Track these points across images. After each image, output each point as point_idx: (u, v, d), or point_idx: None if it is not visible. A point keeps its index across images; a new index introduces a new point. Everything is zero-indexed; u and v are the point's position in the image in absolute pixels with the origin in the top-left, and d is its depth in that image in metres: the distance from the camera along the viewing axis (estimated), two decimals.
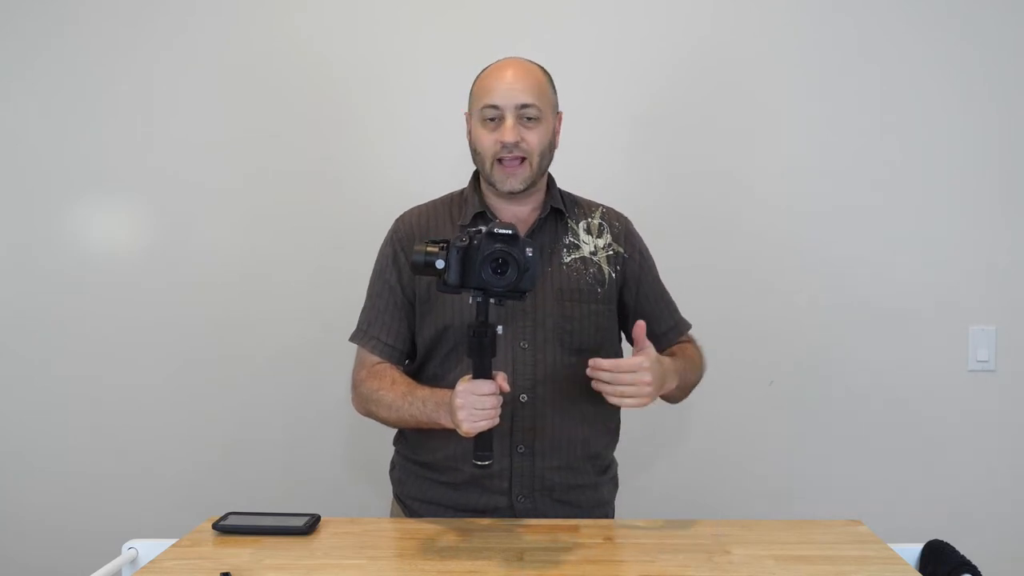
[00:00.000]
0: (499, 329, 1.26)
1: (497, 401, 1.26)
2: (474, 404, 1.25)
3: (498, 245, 1.23)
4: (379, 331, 1.52)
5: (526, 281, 1.24)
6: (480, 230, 1.26)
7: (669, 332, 1.60)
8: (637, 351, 1.33)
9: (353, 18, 2.23)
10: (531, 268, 1.24)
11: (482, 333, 1.25)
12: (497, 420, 1.27)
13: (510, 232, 1.23)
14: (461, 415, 1.26)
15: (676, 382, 1.41)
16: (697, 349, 1.61)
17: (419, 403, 1.41)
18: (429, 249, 1.25)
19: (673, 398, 1.50)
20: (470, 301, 1.26)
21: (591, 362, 1.32)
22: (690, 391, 1.54)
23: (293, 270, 2.25)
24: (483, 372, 1.26)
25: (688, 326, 1.64)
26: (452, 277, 1.24)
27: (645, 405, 1.32)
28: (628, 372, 1.30)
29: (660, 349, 1.56)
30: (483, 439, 1.27)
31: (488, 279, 1.23)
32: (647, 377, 1.30)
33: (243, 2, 2.23)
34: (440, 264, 1.24)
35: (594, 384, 1.33)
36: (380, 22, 2.23)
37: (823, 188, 2.23)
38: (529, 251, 1.24)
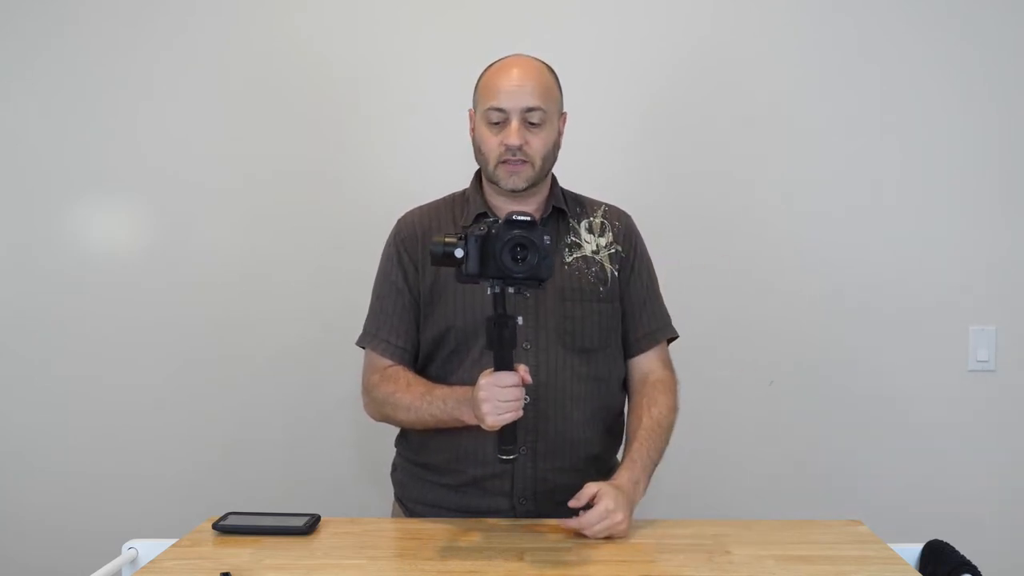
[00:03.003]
0: (519, 320, 1.27)
1: (520, 393, 1.27)
2: (498, 396, 1.25)
3: (517, 231, 1.22)
4: (388, 333, 1.51)
5: (545, 268, 1.24)
6: (497, 219, 1.26)
7: (642, 339, 1.56)
8: (595, 500, 1.32)
9: (353, 18, 2.23)
10: (549, 255, 1.24)
11: (503, 324, 1.24)
12: (521, 412, 1.27)
13: (528, 219, 1.23)
14: (485, 408, 1.26)
15: (646, 483, 1.42)
16: (668, 385, 1.55)
17: (439, 402, 1.41)
18: (447, 240, 1.24)
19: None
20: (488, 292, 1.26)
21: (561, 523, 1.34)
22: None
23: (293, 270, 2.25)
24: (505, 364, 1.26)
25: (669, 334, 1.60)
26: (471, 266, 1.24)
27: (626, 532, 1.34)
28: (599, 522, 1.31)
29: (631, 354, 1.57)
30: (507, 432, 1.28)
31: (508, 265, 1.22)
32: (618, 517, 1.31)
33: (243, 2, 2.23)
34: (459, 253, 1.23)
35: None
36: (380, 22, 2.23)
37: (823, 188, 2.23)
38: (547, 238, 1.24)
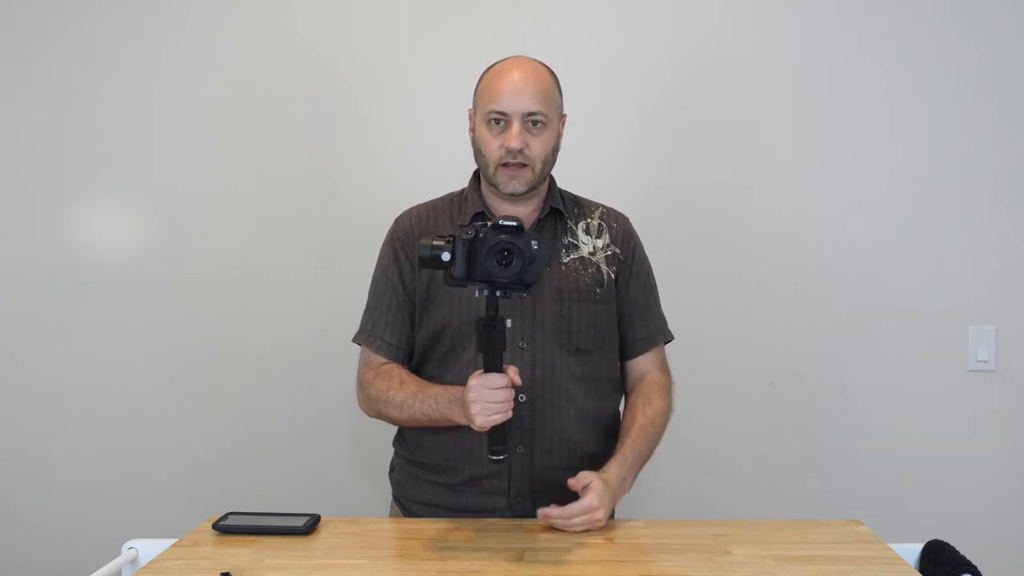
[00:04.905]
0: (508, 322, 1.27)
1: (509, 394, 1.28)
2: (487, 398, 1.26)
3: (503, 237, 1.23)
4: (383, 331, 1.52)
5: (531, 273, 1.25)
6: (485, 223, 1.27)
7: (639, 342, 1.57)
8: (582, 491, 1.34)
9: (353, 18, 2.23)
10: (536, 260, 1.25)
11: (491, 327, 1.25)
12: (510, 414, 1.28)
13: (515, 224, 1.24)
14: (474, 409, 1.27)
15: (632, 480, 1.45)
16: (663, 387, 1.56)
17: (431, 401, 1.41)
18: (435, 243, 1.25)
19: None
20: (476, 294, 1.27)
21: (540, 513, 1.35)
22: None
23: (293, 270, 2.25)
24: (494, 366, 1.27)
25: (665, 338, 1.60)
26: (458, 270, 1.25)
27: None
28: (580, 515, 1.33)
29: (628, 356, 1.58)
30: (497, 433, 1.29)
31: (493, 270, 1.23)
32: (599, 515, 1.34)
33: (244, 2, 2.23)
34: (446, 257, 1.24)
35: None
36: (380, 22, 2.23)
37: (824, 188, 2.23)
38: (534, 243, 1.25)
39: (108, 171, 2.26)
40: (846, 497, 2.21)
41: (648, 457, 1.49)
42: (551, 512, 1.34)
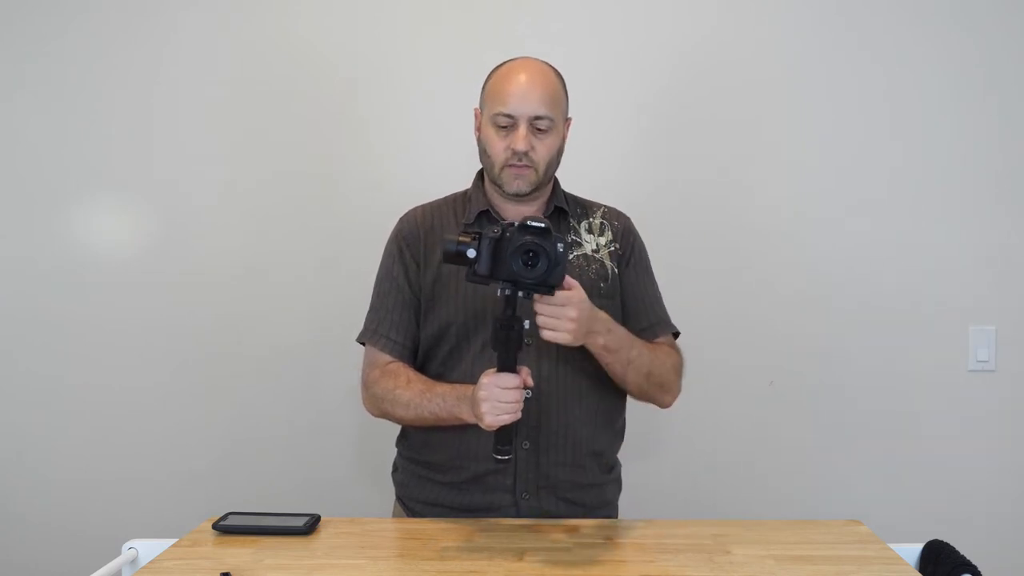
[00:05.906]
0: (526, 323, 1.27)
1: (520, 395, 1.27)
2: (498, 397, 1.26)
3: (529, 237, 1.23)
4: (389, 330, 1.52)
5: (555, 275, 1.25)
6: (513, 223, 1.26)
7: (642, 332, 1.56)
8: (566, 286, 1.29)
9: (353, 18, 2.23)
10: (561, 263, 1.25)
11: (509, 326, 1.25)
12: (519, 415, 1.28)
13: (543, 225, 1.24)
14: (484, 407, 1.27)
15: (606, 339, 1.38)
16: (673, 356, 1.55)
17: (439, 399, 1.41)
18: (461, 238, 1.25)
19: (626, 381, 1.46)
20: (498, 293, 1.26)
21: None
22: (647, 381, 1.47)
23: (293, 270, 2.25)
24: (508, 366, 1.27)
25: (669, 330, 1.60)
26: (482, 267, 1.25)
27: (568, 342, 1.31)
28: (556, 304, 1.28)
29: None
30: (504, 433, 1.28)
31: (518, 271, 1.23)
32: (572, 313, 1.29)
33: (244, 2, 2.23)
34: (471, 253, 1.24)
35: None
36: (380, 22, 2.23)
37: (824, 188, 2.23)
38: (560, 246, 1.24)
39: (108, 171, 2.26)
40: (846, 497, 2.21)
41: (638, 365, 1.44)
42: (537, 300, 1.28)
